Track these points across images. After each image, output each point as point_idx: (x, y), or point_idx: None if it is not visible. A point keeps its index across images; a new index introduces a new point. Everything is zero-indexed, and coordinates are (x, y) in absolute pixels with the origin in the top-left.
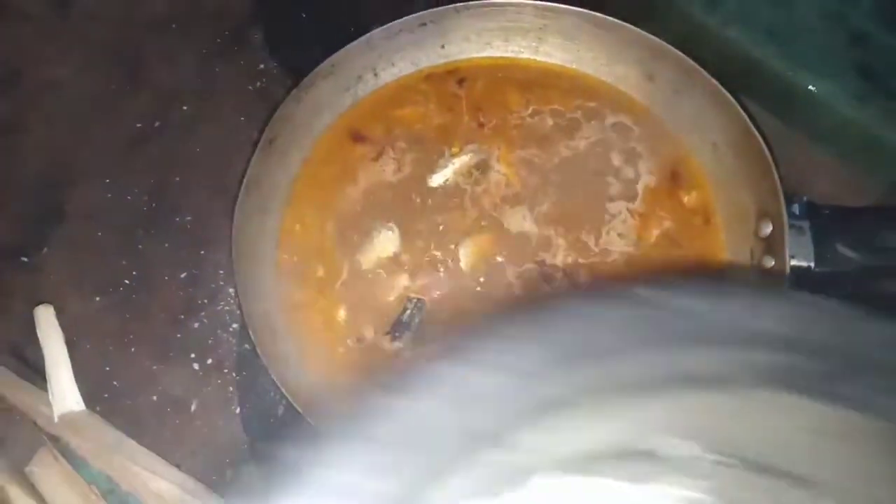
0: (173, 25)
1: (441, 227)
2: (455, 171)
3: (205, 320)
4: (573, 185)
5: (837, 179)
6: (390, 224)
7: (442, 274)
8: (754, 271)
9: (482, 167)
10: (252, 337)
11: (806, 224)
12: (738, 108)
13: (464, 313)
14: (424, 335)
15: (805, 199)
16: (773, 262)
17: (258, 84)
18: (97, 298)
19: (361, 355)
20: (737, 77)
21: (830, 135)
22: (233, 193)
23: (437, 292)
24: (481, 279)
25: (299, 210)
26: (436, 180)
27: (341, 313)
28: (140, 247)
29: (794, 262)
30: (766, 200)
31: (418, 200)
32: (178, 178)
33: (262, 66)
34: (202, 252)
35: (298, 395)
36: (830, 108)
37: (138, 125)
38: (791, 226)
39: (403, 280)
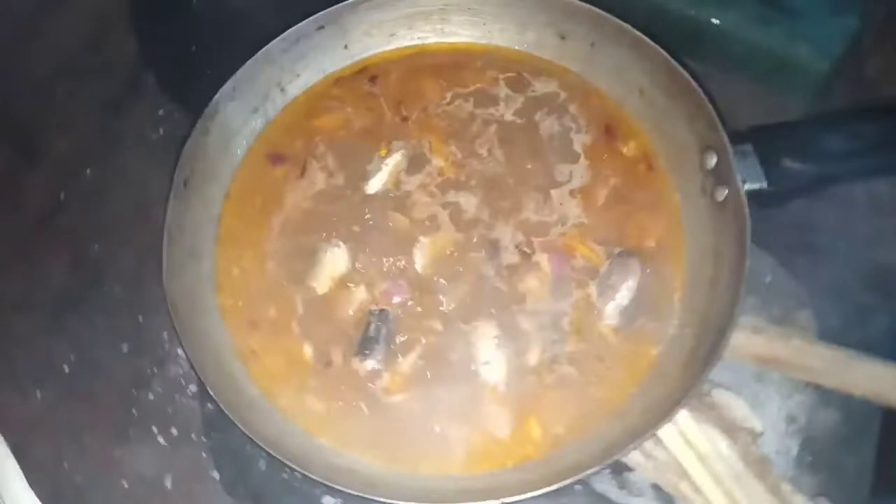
0: (58, 88)
1: (389, 232)
2: (390, 172)
3: (159, 389)
4: (512, 161)
5: (759, 105)
6: (335, 240)
7: (400, 279)
8: (710, 208)
9: (416, 162)
10: (212, 393)
11: (749, 147)
12: (658, 48)
13: (430, 314)
14: (395, 345)
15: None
16: (727, 191)
17: (161, 130)
18: (37, 392)
19: (335, 382)
20: (642, 25)
21: (742, 63)
22: (158, 251)
23: (398, 298)
24: (440, 276)
25: (232, 251)
26: (372, 186)
27: (307, 349)
28: (72, 327)
29: (746, 187)
30: (705, 133)
31: (359, 210)
32: (96, 247)
33: (161, 111)
34: (140, 318)
35: (279, 445)
36: (736, 37)
37: (42, 201)
38: (735, 151)
39: (361, 294)
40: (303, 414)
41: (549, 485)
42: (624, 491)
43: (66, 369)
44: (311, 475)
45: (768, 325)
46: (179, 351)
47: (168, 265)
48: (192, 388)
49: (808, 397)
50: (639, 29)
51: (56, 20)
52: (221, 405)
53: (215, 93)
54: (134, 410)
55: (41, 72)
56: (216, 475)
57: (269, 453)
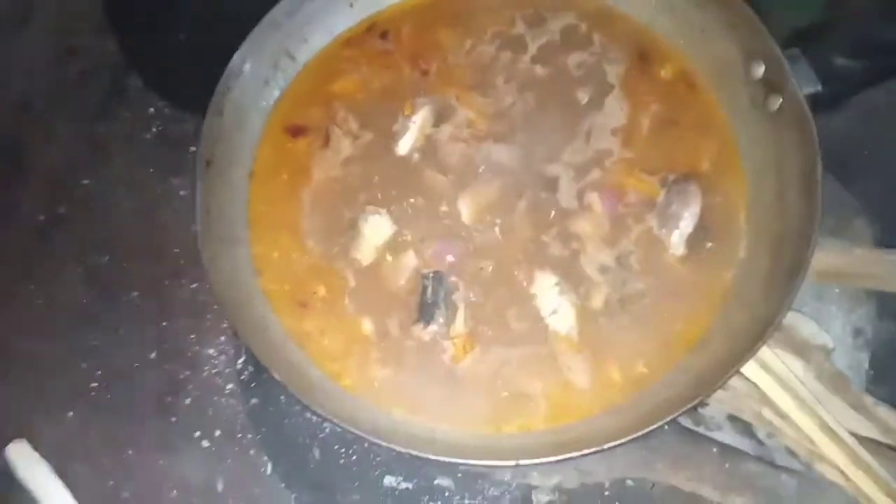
0: (37, 102)
1: (428, 191)
2: (418, 129)
3: (196, 393)
4: (544, 102)
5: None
6: (373, 207)
7: (449, 237)
8: (764, 120)
9: (445, 115)
10: (280, 380)
11: (797, 51)
12: None
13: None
14: (455, 306)
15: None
16: (781, 100)
17: (154, 129)
18: (69, 414)
19: (400, 353)
20: None
21: None
22: (171, 252)
23: (451, 257)
24: (488, 229)
25: (267, 233)
26: (403, 147)
27: (366, 325)
28: (94, 343)
29: (804, 92)
30: (749, 39)
31: (393, 172)
32: (106, 258)
33: (151, 109)
34: (164, 324)
35: (356, 423)
36: None
37: (41, 217)
38: (787, 57)
39: (411, 259)
40: (371, 390)
41: (644, 427)
42: (701, 427)
43: (95, 386)
44: (395, 447)
45: (825, 238)
46: (210, 351)
47: (207, 257)
48: (230, 386)
49: (870, 308)
50: None
51: (26, 35)
52: (292, 391)
53: (207, 83)
54: (173, 418)
55: (19, 88)
56: (269, 470)
57: (322, 441)
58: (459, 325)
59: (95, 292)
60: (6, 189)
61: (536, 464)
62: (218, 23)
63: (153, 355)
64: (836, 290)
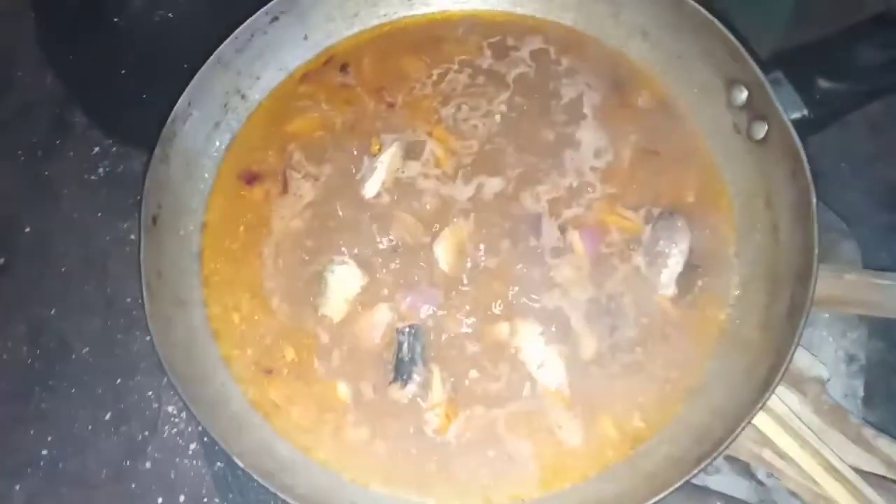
0: None
1: (400, 237)
2: (386, 169)
3: (156, 455)
4: (518, 134)
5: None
6: (340, 257)
7: (424, 286)
8: (749, 148)
9: (415, 152)
10: (242, 465)
11: (779, 74)
12: None
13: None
14: (434, 365)
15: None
16: (766, 126)
17: (101, 169)
18: (17, 487)
19: (376, 420)
20: None
21: None
22: (123, 302)
23: (426, 309)
24: (469, 271)
25: (224, 292)
26: (370, 189)
27: (341, 389)
28: (43, 406)
29: (789, 117)
30: (728, 66)
31: (360, 218)
32: (52, 311)
33: (97, 147)
34: (119, 381)
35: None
36: None
37: None
38: (769, 81)
39: (384, 313)
40: (348, 464)
41: (648, 496)
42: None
43: (45, 454)
44: None
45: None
46: (170, 408)
47: (154, 321)
48: (193, 446)
49: (861, 333)
50: None
51: None
52: (258, 478)
53: (156, 117)
54: (132, 484)
55: None
56: None
57: None
58: (438, 390)
59: (42, 350)
60: None
61: None
62: (163, 57)
63: (108, 416)
64: (826, 316)
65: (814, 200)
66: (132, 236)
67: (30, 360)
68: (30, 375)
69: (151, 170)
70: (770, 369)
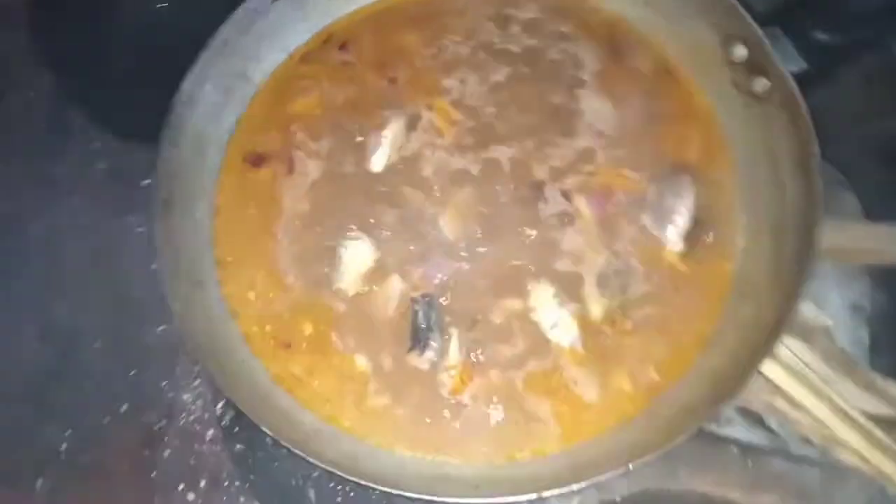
0: None
1: (408, 210)
2: (391, 144)
3: (175, 443)
4: (520, 104)
5: None
6: (352, 233)
7: (435, 256)
8: (749, 104)
9: (418, 126)
10: (270, 432)
11: (777, 29)
12: None
13: (478, 286)
14: (451, 329)
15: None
16: (766, 82)
17: (103, 165)
18: (39, 481)
19: (397, 387)
20: None
21: None
22: (132, 295)
23: (438, 277)
24: (475, 243)
25: (239, 272)
26: (376, 164)
27: (359, 360)
28: (60, 402)
29: (788, 71)
30: (727, 22)
31: (368, 193)
32: (64, 309)
33: (97, 143)
34: (133, 373)
35: (359, 470)
36: None
37: None
38: (768, 36)
39: (398, 284)
40: (372, 430)
41: (665, 440)
42: (712, 423)
43: (65, 448)
44: (406, 493)
45: None
46: (186, 396)
47: (174, 302)
48: (211, 432)
49: (865, 283)
50: None
51: None
52: (286, 443)
53: (155, 110)
54: (153, 472)
55: None
56: None
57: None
58: (454, 354)
59: (55, 346)
60: None
61: (556, 493)
62: (159, 49)
63: (124, 408)
64: (831, 268)
65: (816, 150)
66: (139, 229)
67: (43, 359)
68: (44, 372)
69: (161, 155)
70: (779, 316)
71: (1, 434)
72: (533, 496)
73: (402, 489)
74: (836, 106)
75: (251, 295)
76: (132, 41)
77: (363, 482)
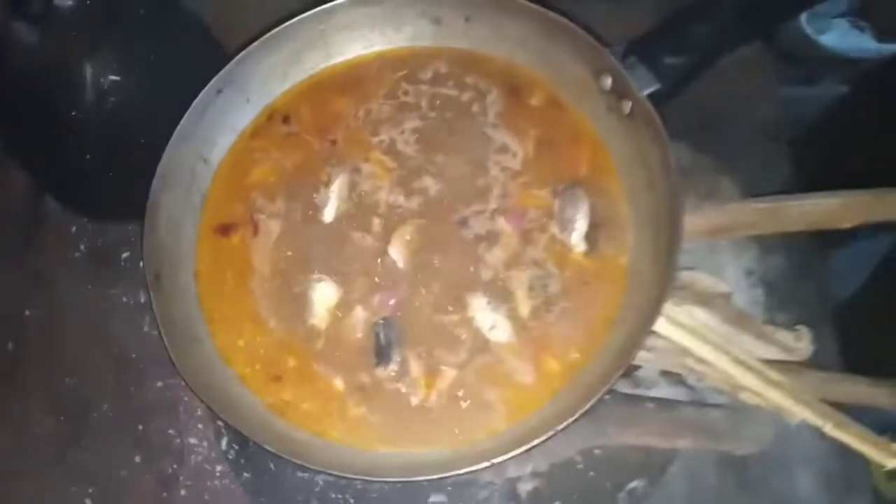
0: None
1: (360, 247)
2: (338, 195)
3: (188, 483)
4: (442, 146)
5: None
6: (316, 276)
7: (387, 283)
8: (621, 122)
9: (358, 177)
10: (275, 451)
11: (634, 59)
12: (524, 1)
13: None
14: (408, 349)
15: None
16: (630, 103)
17: (82, 247)
18: None
19: (372, 398)
20: None
21: None
22: (129, 357)
23: (393, 301)
24: (422, 266)
25: (226, 325)
26: (328, 214)
27: (337, 382)
28: (79, 462)
29: (645, 92)
30: (594, 59)
31: (324, 240)
32: (68, 380)
33: (74, 228)
34: (141, 427)
35: (354, 469)
36: None
37: None
38: (624, 66)
39: (360, 312)
40: (356, 437)
41: (581, 407)
42: (640, 388)
43: (90, 503)
44: (390, 480)
45: (700, 201)
46: (192, 440)
47: (176, 358)
48: (220, 467)
49: (754, 250)
50: None
51: None
52: (288, 457)
53: (123, 191)
54: None
55: None
56: None
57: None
58: (415, 369)
59: (67, 415)
60: None
61: (506, 459)
62: (121, 136)
63: (138, 459)
64: (724, 243)
65: (671, 154)
66: (124, 299)
67: (59, 427)
68: (62, 440)
69: (146, 238)
70: (661, 293)
71: (32, 499)
72: (487, 464)
73: (382, 477)
74: (717, 99)
75: (241, 342)
76: (96, 133)
77: (349, 476)
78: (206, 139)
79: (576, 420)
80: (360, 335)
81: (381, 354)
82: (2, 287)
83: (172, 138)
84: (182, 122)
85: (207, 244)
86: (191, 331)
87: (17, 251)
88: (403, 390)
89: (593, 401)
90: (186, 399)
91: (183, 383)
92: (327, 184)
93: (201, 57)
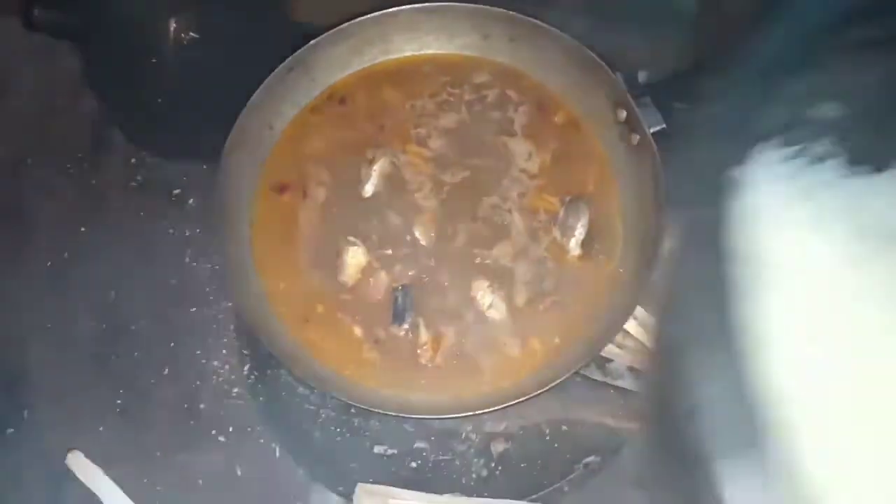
0: (30, 160)
1: (390, 223)
2: (379, 175)
3: (209, 399)
4: (474, 146)
5: (645, 53)
6: (351, 239)
7: (409, 257)
8: (629, 152)
9: (397, 163)
10: (298, 375)
11: (648, 99)
12: (565, 35)
13: (439, 281)
14: (419, 309)
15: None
16: (638, 137)
17: (139, 177)
18: (100, 428)
19: (384, 349)
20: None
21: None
22: (169, 283)
23: (412, 273)
24: (440, 247)
25: (272, 270)
26: (367, 190)
27: (356, 330)
28: (113, 368)
29: (652, 130)
30: (614, 94)
31: (362, 212)
32: (112, 294)
33: (133, 159)
34: (172, 344)
35: (359, 400)
36: None
37: (48, 264)
38: (638, 104)
39: (383, 277)
40: (365, 376)
41: (554, 381)
42: (608, 377)
43: (120, 403)
44: (388, 413)
45: None
46: (216, 363)
47: (234, 291)
48: (237, 390)
49: None
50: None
51: (6, 102)
52: (309, 381)
53: (180, 136)
54: (191, 421)
55: (10, 148)
56: (278, 453)
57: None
58: (423, 333)
59: (108, 325)
60: (15, 239)
61: (486, 412)
62: (188, 91)
63: (166, 371)
64: None
65: (663, 183)
66: (171, 231)
67: (99, 334)
68: (101, 346)
69: (217, 187)
70: (635, 299)
71: (69, 390)
72: (470, 413)
73: (382, 409)
74: (689, 150)
75: (282, 286)
76: (167, 75)
77: (355, 403)
78: (274, 109)
79: (548, 390)
80: (380, 297)
81: (397, 315)
82: (63, 202)
83: (248, 104)
84: (257, 92)
85: (263, 199)
86: (244, 270)
87: (80, 172)
88: (411, 347)
89: (564, 377)
90: (215, 327)
91: (214, 312)
92: (371, 163)
93: (271, 36)
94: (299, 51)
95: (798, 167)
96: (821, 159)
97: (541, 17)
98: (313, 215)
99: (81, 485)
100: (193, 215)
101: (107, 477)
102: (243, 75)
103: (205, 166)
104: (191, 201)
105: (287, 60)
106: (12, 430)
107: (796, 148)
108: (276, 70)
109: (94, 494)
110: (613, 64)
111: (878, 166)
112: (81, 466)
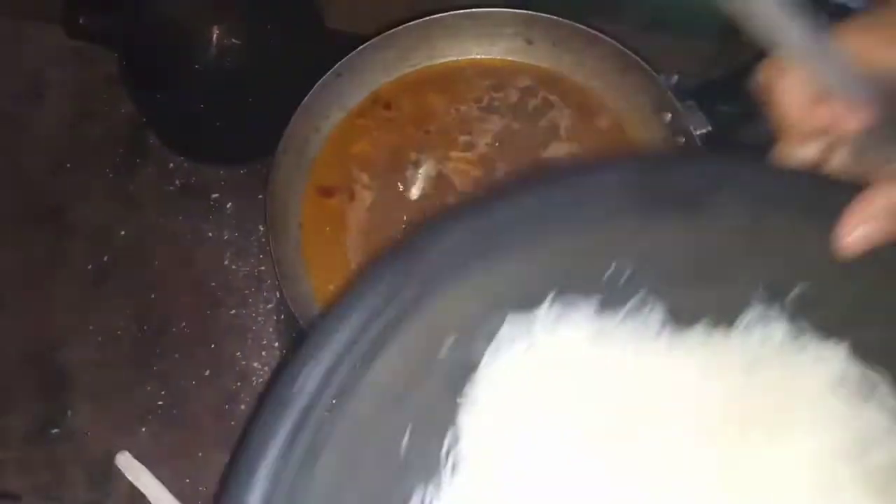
0: (68, 164)
1: None
2: (426, 178)
3: (248, 400)
4: (519, 149)
5: (685, 56)
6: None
7: None
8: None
9: (442, 166)
10: None
11: (692, 102)
12: (609, 40)
13: None
14: None
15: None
16: (682, 139)
17: (177, 182)
18: (143, 429)
19: None
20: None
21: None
22: (208, 286)
23: None
24: None
25: (321, 272)
26: (414, 193)
27: None
28: (155, 368)
29: (697, 133)
30: (658, 98)
31: (407, 213)
32: (153, 296)
33: (171, 164)
34: (212, 346)
35: None
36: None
37: (89, 267)
38: (683, 108)
39: None
40: None
41: None
42: None
43: (161, 404)
44: None
45: None
46: (255, 364)
47: (286, 290)
48: None
49: None
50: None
51: (44, 106)
52: None
53: (218, 142)
54: (232, 422)
55: (48, 152)
56: None
57: None
58: None
59: (149, 327)
60: (56, 244)
61: None
62: (228, 97)
63: (207, 373)
64: None
65: None
66: (210, 234)
67: (140, 335)
68: (143, 347)
69: (269, 189)
70: None
71: (111, 391)
72: None
73: None
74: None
75: (331, 286)
76: (209, 81)
77: None
78: (321, 112)
79: None
80: None
81: None
82: (102, 206)
83: (298, 111)
84: (307, 98)
85: (311, 201)
86: (294, 270)
87: (119, 176)
88: None
89: None
90: (255, 328)
91: (254, 314)
92: (416, 166)
93: (309, 43)
94: (348, 56)
95: None
96: None
97: (583, 21)
98: (361, 217)
99: (124, 484)
100: (232, 219)
101: (154, 477)
102: (282, 82)
103: (242, 171)
104: (229, 205)
105: (336, 65)
106: (56, 430)
107: None
108: (325, 75)
109: (136, 494)
110: (657, 67)
111: None
112: (130, 467)
